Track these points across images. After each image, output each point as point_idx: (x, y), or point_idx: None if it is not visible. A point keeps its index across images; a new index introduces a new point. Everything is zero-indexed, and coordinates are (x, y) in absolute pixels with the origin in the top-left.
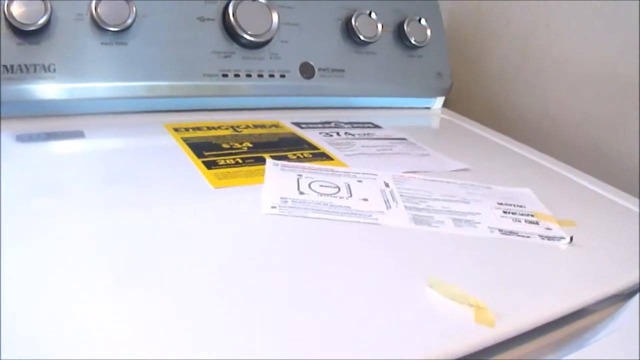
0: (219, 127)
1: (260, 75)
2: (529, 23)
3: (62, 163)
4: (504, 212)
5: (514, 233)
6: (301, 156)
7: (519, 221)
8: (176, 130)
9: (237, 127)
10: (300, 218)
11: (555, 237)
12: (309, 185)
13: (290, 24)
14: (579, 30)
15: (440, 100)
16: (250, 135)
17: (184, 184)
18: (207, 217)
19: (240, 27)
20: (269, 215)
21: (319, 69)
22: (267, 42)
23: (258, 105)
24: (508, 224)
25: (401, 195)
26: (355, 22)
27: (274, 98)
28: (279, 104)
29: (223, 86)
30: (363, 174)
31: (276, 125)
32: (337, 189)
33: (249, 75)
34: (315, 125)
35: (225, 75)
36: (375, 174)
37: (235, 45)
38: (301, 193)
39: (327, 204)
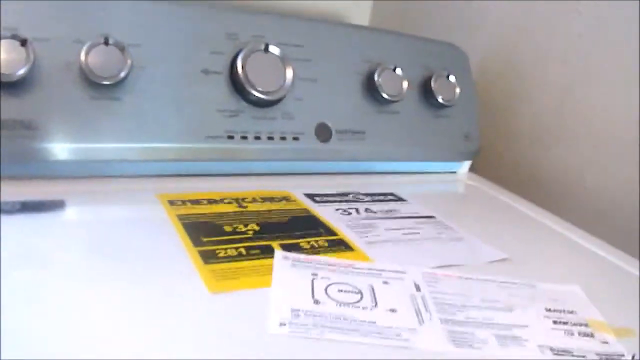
0: (222, 200)
1: (270, 138)
2: (568, 82)
3: (29, 244)
4: (554, 322)
5: (567, 352)
6: (316, 245)
7: (572, 334)
8: (171, 203)
9: (243, 200)
10: (314, 340)
11: (614, 355)
12: (326, 289)
13: (305, 79)
14: (624, 88)
15: (467, 165)
16: (257, 213)
17: (172, 284)
18: (198, 337)
19: (249, 82)
20: (277, 337)
21: (337, 131)
22: (279, 100)
23: (267, 171)
24: (560, 339)
25: (435, 302)
26: (378, 79)
27: (285, 162)
28: (290, 169)
29: (228, 149)
30: (389, 271)
31: (287, 199)
32: (359, 295)
33: (257, 138)
34: (331, 199)
35: (231, 137)
36: (404, 272)
37: (244, 103)
38: (316, 302)
39: (347, 319)
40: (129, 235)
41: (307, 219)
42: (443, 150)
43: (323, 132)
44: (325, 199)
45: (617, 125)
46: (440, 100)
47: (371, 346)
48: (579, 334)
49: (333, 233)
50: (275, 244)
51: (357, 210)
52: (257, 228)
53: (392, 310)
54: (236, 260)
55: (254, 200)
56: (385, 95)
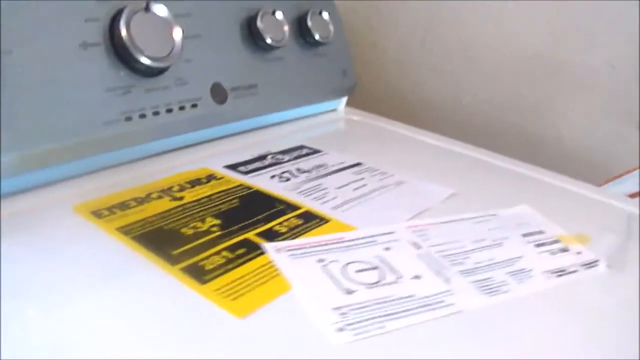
0: (149, 197)
1: (169, 110)
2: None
3: None
4: (536, 246)
5: (562, 271)
6: (291, 225)
7: (554, 253)
8: (97, 215)
9: (170, 189)
10: (379, 336)
11: (591, 262)
12: (345, 274)
13: (190, 37)
14: (491, 12)
15: (344, 101)
16: (199, 203)
17: (191, 320)
18: None
19: (137, 49)
20: (345, 345)
21: (232, 89)
22: (170, 65)
23: (169, 147)
24: (550, 260)
25: (441, 256)
26: (260, 25)
27: (187, 135)
28: (190, 140)
29: (129, 133)
30: (380, 235)
31: (213, 177)
32: (377, 270)
33: (156, 113)
34: (254, 166)
35: (129, 119)
36: (393, 232)
37: (134, 75)
38: (348, 292)
39: (389, 300)
40: (85, 273)
41: (257, 197)
42: (326, 89)
43: (219, 93)
44: (249, 167)
45: (483, 49)
46: (317, 38)
47: (427, 321)
48: (560, 250)
49: (295, 207)
50: (251, 235)
51: (290, 172)
52: (217, 221)
53: (416, 277)
54: (230, 269)
55: (181, 187)
56: (270, 42)
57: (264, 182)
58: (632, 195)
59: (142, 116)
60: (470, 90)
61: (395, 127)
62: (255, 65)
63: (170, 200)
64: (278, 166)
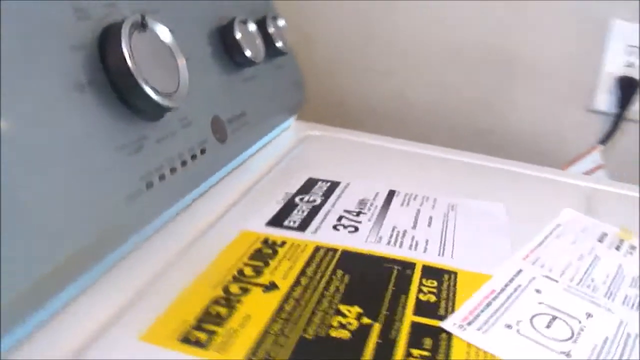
0: (235, 297)
1: (183, 163)
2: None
3: None
4: (616, 249)
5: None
6: (434, 290)
7: (632, 253)
8: (192, 342)
9: (248, 277)
10: None
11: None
12: (540, 336)
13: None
14: (436, 7)
15: (294, 116)
16: (303, 287)
17: None
18: None
19: (143, 79)
20: None
21: (228, 121)
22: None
23: (179, 208)
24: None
25: (576, 283)
26: (238, 35)
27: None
28: (195, 193)
29: (153, 204)
30: (517, 277)
31: (274, 244)
32: (559, 320)
33: (173, 170)
34: (301, 218)
35: (150, 186)
36: (520, 270)
37: (139, 121)
38: (567, 355)
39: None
40: None
41: (358, 262)
42: (288, 105)
43: (219, 129)
44: (295, 220)
45: (428, 45)
46: (279, 46)
47: None
48: (629, 248)
49: (408, 264)
50: (413, 317)
51: (347, 218)
52: (357, 309)
53: (590, 315)
54: None
55: (255, 269)
56: (249, 56)
57: (336, 237)
58: (587, 173)
59: (162, 178)
60: (418, 89)
61: (364, 138)
62: (238, 87)
63: (264, 292)
64: (323, 212)
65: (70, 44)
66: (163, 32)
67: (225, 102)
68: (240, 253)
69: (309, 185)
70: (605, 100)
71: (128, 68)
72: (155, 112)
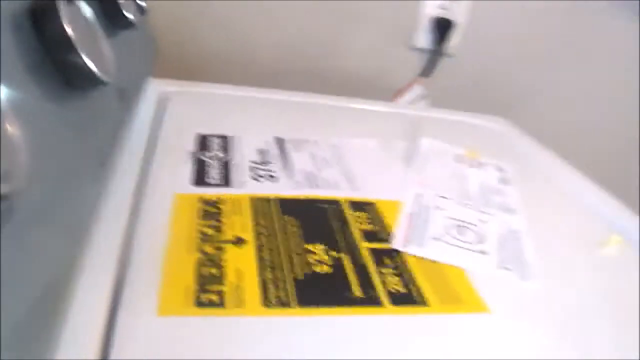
0: (214, 258)
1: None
2: None
3: None
4: (470, 167)
5: (505, 175)
6: (365, 220)
7: (480, 167)
8: (206, 304)
9: (209, 236)
10: None
11: (500, 168)
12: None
13: None
14: None
15: None
16: (265, 235)
17: None
18: None
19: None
20: None
21: (125, 89)
22: None
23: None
24: (486, 173)
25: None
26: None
27: None
28: None
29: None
30: (420, 197)
31: (217, 202)
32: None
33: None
34: (218, 176)
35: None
36: (421, 193)
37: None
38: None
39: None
40: None
41: (289, 205)
42: (150, 64)
43: (123, 97)
44: (212, 178)
45: None
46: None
47: None
48: (479, 164)
49: (334, 202)
50: (366, 244)
51: (255, 170)
52: (319, 245)
53: (482, 221)
54: (409, 279)
55: (203, 240)
56: (130, 19)
57: (262, 188)
58: (412, 103)
59: None
60: (259, 37)
61: (224, 90)
62: (121, 52)
63: (237, 247)
64: (234, 166)
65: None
66: (84, 7)
67: (122, 70)
68: (190, 216)
69: (202, 141)
70: (424, 38)
71: (70, 40)
72: (91, 86)
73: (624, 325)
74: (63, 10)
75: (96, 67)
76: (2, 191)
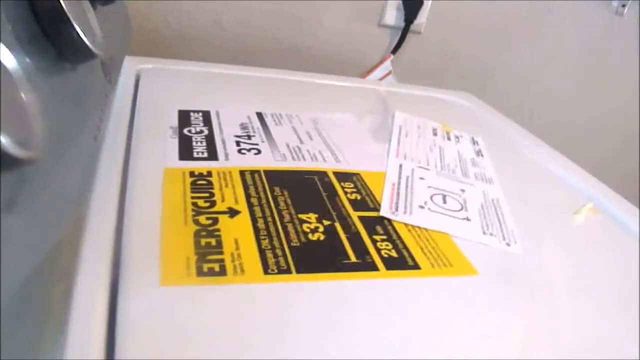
0: (211, 228)
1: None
2: None
3: None
4: (447, 139)
5: (479, 149)
6: (354, 189)
7: (457, 141)
8: (207, 273)
9: (202, 208)
10: None
11: (473, 141)
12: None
13: None
14: None
15: None
16: (257, 206)
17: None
18: None
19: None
20: None
21: (107, 64)
22: None
23: None
24: (462, 146)
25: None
26: None
27: None
28: None
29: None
30: (399, 170)
31: (207, 174)
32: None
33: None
34: (204, 149)
35: None
36: (401, 165)
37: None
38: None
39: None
40: None
41: (278, 176)
42: (126, 41)
43: (107, 71)
44: (199, 153)
45: None
46: None
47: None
48: (455, 137)
49: (321, 173)
50: (356, 213)
51: (240, 144)
52: (312, 215)
53: (463, 190)
54: (400, 245)
55: (196, 212)
56: None
57: (248, 160)
58: (381, 79)
59: None
60: (229, 14)
61: (199, 67)
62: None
63: (231, 218)
64: (218, 140)
65: None
66: None
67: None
68: (181, 189)
69: (183, 117)
70: (393, 16)
71: (64, 13)
72: (83, 59)
73: (600, 280)
74: None
75: (87, 39)
76: (22, 157)
